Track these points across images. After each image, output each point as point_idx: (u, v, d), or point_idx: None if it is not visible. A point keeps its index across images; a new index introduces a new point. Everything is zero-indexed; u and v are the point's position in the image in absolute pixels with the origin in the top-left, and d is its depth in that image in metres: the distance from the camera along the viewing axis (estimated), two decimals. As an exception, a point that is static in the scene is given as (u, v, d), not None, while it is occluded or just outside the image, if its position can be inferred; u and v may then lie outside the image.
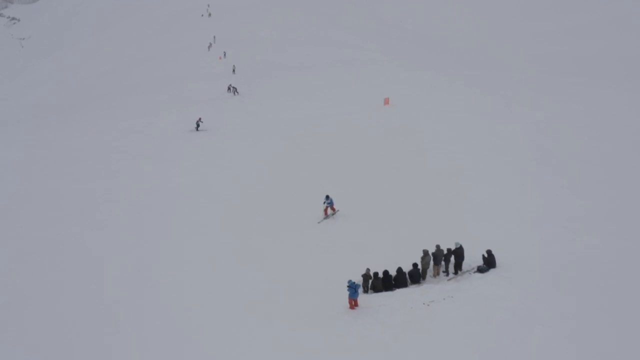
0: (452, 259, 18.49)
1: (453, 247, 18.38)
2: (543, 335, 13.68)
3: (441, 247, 18.41)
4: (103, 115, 44.15)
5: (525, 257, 18.04)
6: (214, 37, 77.95)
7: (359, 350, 14.10)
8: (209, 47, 73.34)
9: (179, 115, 41.32)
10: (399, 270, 17.82)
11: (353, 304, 16.33)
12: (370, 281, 17.79)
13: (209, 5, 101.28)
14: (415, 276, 17.91)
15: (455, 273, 18.43)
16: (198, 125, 37.39)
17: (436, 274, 18.53)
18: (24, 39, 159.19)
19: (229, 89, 48.08)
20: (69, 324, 16.16)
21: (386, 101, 38.66)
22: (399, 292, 17.35)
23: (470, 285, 16.98)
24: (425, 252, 18.31)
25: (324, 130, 34.78)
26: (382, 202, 24.40)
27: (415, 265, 18.02)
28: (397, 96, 39.11)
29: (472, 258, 18.44)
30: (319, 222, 23.25)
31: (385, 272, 17.77)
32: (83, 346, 15.15)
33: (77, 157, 32.30)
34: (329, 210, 23.70)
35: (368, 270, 17.87)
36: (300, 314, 16.15)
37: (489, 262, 17.81)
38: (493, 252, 17.93)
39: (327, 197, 23.43)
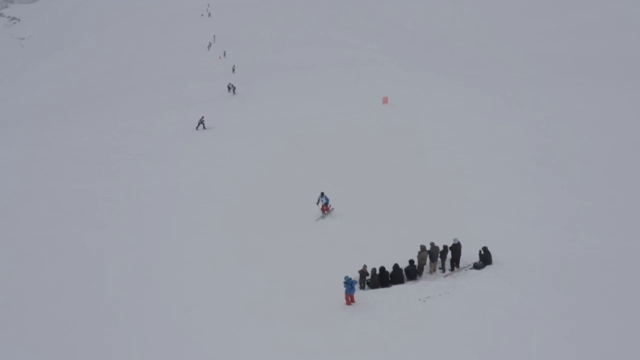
0: (449, 255, 18.59)
1: (450, 244, 18.45)
2: (543, 335, 13.69)
3: (436, 244, 18.50)
4: (103, 115, 44.13)
5: (525, 257, 18.06)
6: (214, 37, 77.91)
7: (358, 349, 14.11)
8: (208, 47, 73.30)
9: (179, 115, 41.31)
10: (396, 266, 17.96)
11: (349, 299, 16.41)
12: (367, 277, 17.91)
13: (209, 5, 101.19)
14: (412, 272, 18.03)
15: (452, 269, 18.53)
16: (201, 124, 37.43)
17: (432, 270, 18.66)
18: (24, 39, 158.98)
19: (228, 88, 48.10)
20: (69, 324, 16.17)
21: (385, 100, 38.66)
22: (395, 288, 17.44)
23: (466, 281, 17.05)
24: (423, 248, 18.45)
25: (324, 130, 34.78)
26: (382, 202, 24.41)
27: (411, 261, 18.15)
28: (397, 96, 39.10)
29: (471, 257, 18.48)
30: (316, 220, 23.28)
31: (382, 269, 17.91)
32: (83, 346, 15.17)
33: (77, 157, 32.31)
34: (329, 207, 23.71)
35: (365, 266, 18.02)
36: (300, 313, 16.16)
37: (485, 258, 17.92)
38: (489, 250, 18.01)
39: (322, 194, 23.47)
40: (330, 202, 23.68)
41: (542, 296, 15.46)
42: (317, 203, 23.58)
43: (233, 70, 57.66)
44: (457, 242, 18.33)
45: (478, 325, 14.48)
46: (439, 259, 18.73)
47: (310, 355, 14.10)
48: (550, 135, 29.62)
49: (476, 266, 17.88)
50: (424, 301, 16.04)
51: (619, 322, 13.89)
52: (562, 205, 21.90)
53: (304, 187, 26.30)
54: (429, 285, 17.34)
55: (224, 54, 67.23)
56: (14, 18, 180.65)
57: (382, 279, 17.80)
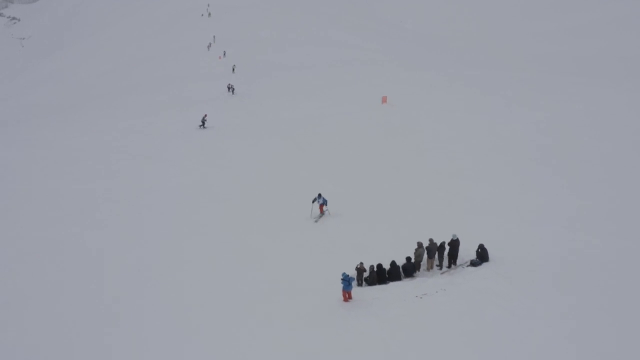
0: (447, 252, 18.64)
1: (449, 240, 18.47)
2: (543, 335, 13.69)
3: (434, 241, 18.54)
4: (103, 115, 44.15)
5: (525, 257, 18.06)
6: (214, 37, 77.92)
7: (358, 349, 14.11)
8: (208, 47, 73.31)
9: (179, 115, 41.34)
10: (393, 263, 18.04)
11: (347, 296, 16.46)
12: (365, 274, 17.97)
13: (209, 5, 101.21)
14: (409, 269, 18.08)
15: (449, 266, 18.59)
16: (204, 123, 37.45)
17: (430, 267, 18.73)
18: (24, 39, 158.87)
19: (228, 88, 48.13)
20: (69, 324, 16.16)
21: (384, 99, 38.65)
22: (392, 285, 17.49)
23: (463, 279, 17.09)
24: (420, 244, 18.52)
25: (324, 130, 34.79)
26: (382, 202, 24.41)
27: (408, 259, 18.21)
28: (397, 96, 39.10)
29: (470, 256, 18.50)
30: (316, 221, 23.28)
31: (379, 266, 18.00)
32: (83, 346, 15.16)
33: (77, 157, 32.31)
34: (323, 208, 23.72)
35: (362, 263, 18.05)
36: (300, 313, 16.16)
37: (482, 256, 17.99)
38: (486, 247, 18.08)
39: (320, 195, 23.47)
40: (328, 205, 23.63)
41: (542, 296, 15.46)
42: (313, 202, 23.60)
43: (233, 70, 57.70)
44: (455, 238, 18.37)
45: (475, 323, 14.50)
46: (436, 256, 18.77)
47: (310, 355, 14.10)
48: (550, 135, 29.61)
49: (473, 263, 17.95)
50: (421, 298, 16.09)
51: (619, 322, 13.90)
52: (562, 205, 21.90)
53: (304, 187, 26.29)
54: (426, 282, 17.39)
55: (224, 54, 67.25)
56: (14, 18, 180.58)
57: (380, 275, 17.88)
